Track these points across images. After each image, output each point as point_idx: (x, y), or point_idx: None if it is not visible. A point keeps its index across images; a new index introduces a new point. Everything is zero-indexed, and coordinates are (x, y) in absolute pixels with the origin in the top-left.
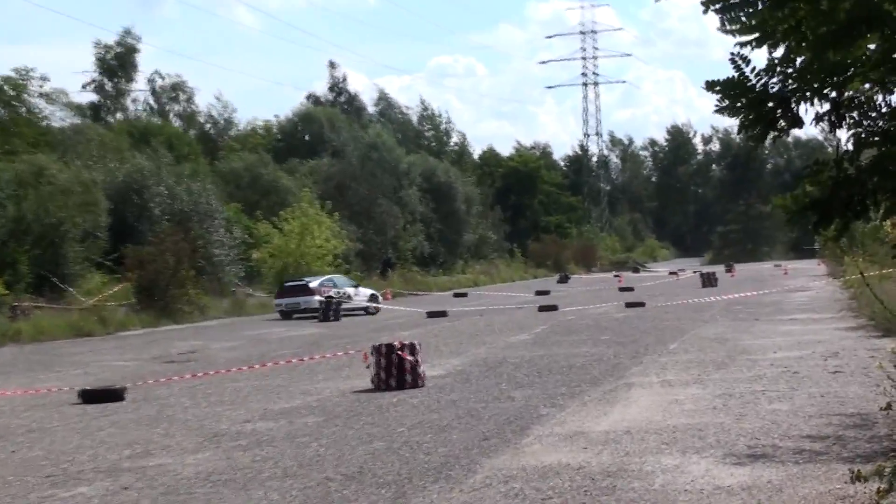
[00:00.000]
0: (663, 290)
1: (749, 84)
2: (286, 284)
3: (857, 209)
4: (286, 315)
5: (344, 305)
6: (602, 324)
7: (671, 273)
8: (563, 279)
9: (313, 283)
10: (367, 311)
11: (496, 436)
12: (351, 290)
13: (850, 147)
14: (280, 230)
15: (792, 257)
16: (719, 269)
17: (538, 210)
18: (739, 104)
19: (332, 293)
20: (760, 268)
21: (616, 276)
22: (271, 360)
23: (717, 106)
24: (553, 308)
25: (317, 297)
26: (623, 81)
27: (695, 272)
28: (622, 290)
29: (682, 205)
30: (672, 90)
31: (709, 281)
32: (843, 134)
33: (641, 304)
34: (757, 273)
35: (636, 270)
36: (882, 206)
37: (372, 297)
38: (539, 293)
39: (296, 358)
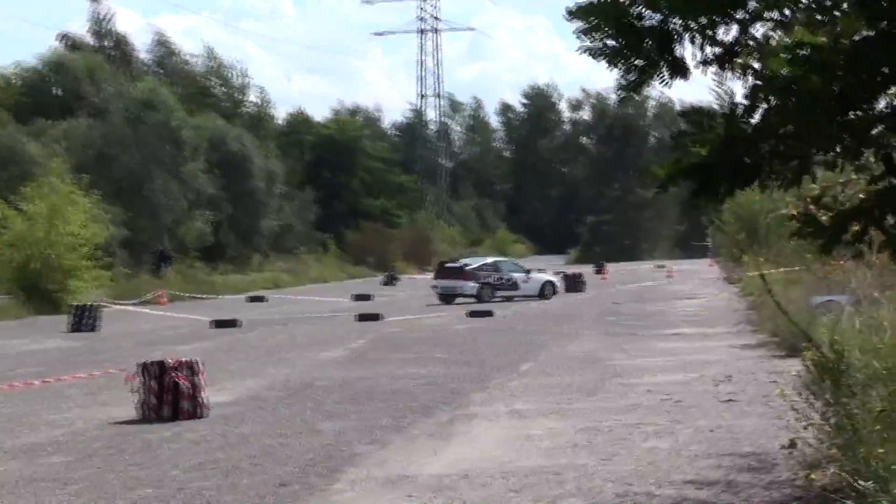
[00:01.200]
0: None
1: (622, 8)
2: (445, 266)
3: (748, 175)
4: (445, 299)
5: (506, 293)
6: (438, 337)
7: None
8: (390, 280)
9: (470, 266)
10: (544, 296)
11: (298, 480)
12: (519, 276)
13: (745, 101)
14: (22, 212)
15: (678, 256)
16: (588, 270)
17: (359, 191)
18: (610, 41)
19: (491, 279)
20: (639, 269)
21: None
22: (6, 381)
23: (582, 44)
24: (375, 317)
25: (471, 283)
26: (471, 29)
27: (557, 273)
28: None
29: (543, 188)
30: (532, 42)
31: (574, 284)
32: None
33: (489, 314)
34: (634, 275)
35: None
36: (781, 175)
37: (548, 286)
38: (358, 298)
39: (39, 379)
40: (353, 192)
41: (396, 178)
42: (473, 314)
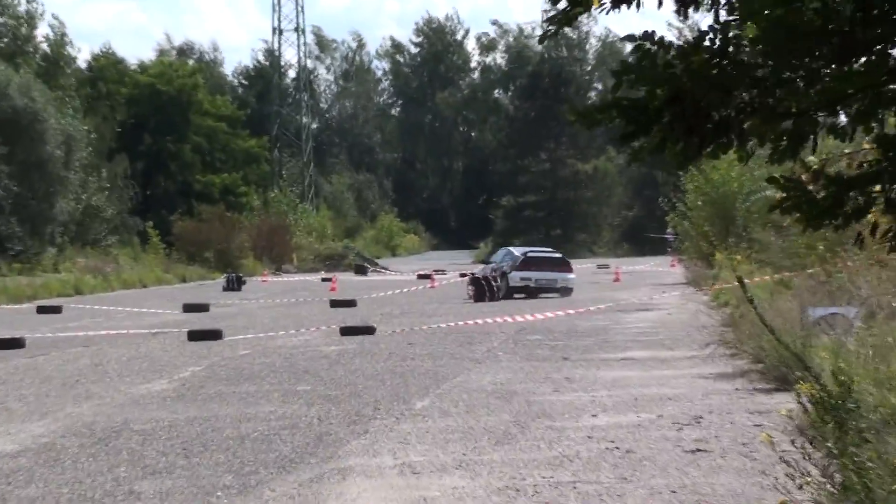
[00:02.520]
0: (406, 305)
1: None
2: (528, 256)
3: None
4: (533, 292)
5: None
6: (300, 364)
7: (422, 276)
8: (234, 284)
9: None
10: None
11: None
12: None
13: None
14: None
15: (628, 252)
16: None
17: (192, 163)
18: None
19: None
20: (576, 269)
21: (326, 279)
22: None
23: None
24: (214, 335)
25: (572, 275)
26: None
27: (463, 275)
28: (336, 304)
29: (443, 158)
30: None
31: (485, 290)
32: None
33: (369, 330)
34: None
35: (362, 271)
36: (770, 140)
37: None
38: (191, 309)
39: None
40: (183, 163)
41: (243, 144)
42: (347, 331)
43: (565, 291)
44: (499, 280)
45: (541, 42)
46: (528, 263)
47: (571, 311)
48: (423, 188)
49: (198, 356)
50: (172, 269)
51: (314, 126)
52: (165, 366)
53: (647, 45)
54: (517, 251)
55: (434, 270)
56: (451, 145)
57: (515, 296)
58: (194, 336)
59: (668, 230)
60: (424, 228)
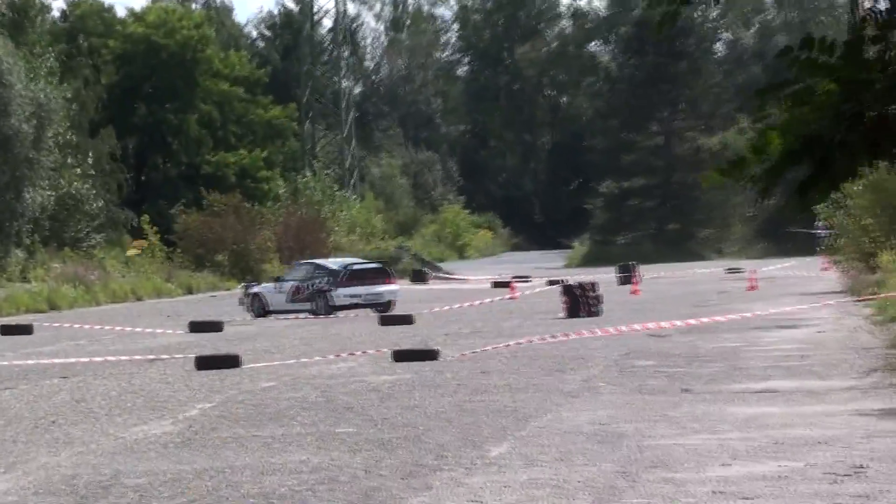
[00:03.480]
0: (479, 321)
1: None
2: (353, 269)
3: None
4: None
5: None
6: (341, 399)
7: (498, 285)
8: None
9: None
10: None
11: None
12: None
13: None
14: None
15: (765, 252)
16: (607, 276)
17: (200, 138)
18: None
19: None
20: (696, 274)
21: None
22: None
23: None
24: (229, 362)
25: (396, 286)
26: None
27: (553, 282)
28: (388, 321)
29: (526, 132)
30: None
31: (582, 303)
32: None
33: (431, 355)
34: (688, 285)
35: (420, 279)
36: None
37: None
38: (198, 328)
39: None
40: (188, 139)
41: (265, 115)
42: (402, 356)
43: (388, 307)
44: (316, 299)
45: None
46: (353, 278)
47: (692, 329)
48: (499, 171)
49: (208, 389)
50: (175, 277)
51: (357, 90)
52: (167, 402)
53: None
54: (333, 264)
55: (514, 277)
56: (535, 115)
57: (433, 310)
58: (204, 363)
59: (818, 223)
60: (501, 223)
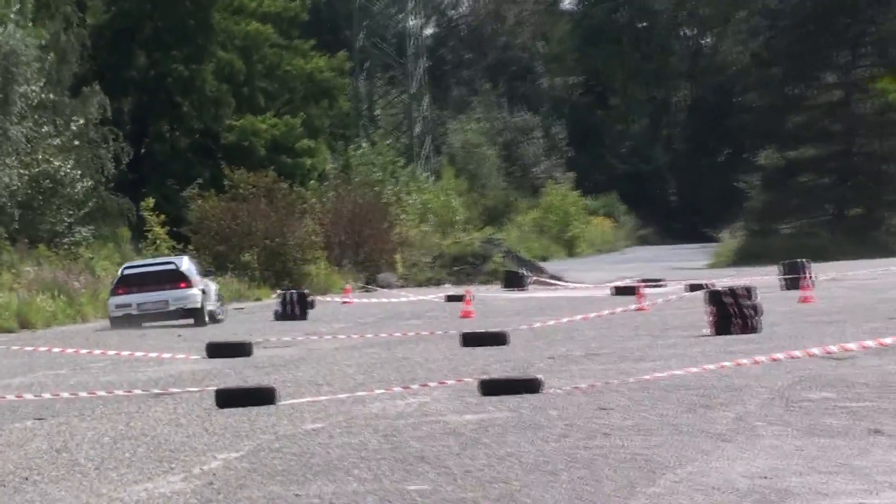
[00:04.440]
0: (595, 340)
1: None
2: (128, 273)
3: None
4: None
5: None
6: (412, 446)
7: (621, 291)
8: (294, 308)
9: (183, 266)
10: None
11: None
12: (209, 281)
13: None
14: None
15: None
16: (768, 279)
17: (219, 98)
18: None
19: (203, 285)
20: (891, 274)
21: (455, 298)
22: None
23: None
24: (261, 397)
25: (194, 291)
26: None
27: (693, 288)
28: (473, 340)
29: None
30: None
31: (734, 315)
32: None
33: (531, 385)
34: (880, 290)
35: (516, 283)
36: None
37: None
38: (220, 351)
39: None
40: (203, 98)
41: (305, 66)
42: (492, 388)
43: (184, 316)
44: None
45: None
46: (128, 284)
47: (886, 350)
48: (621, 138)
49: (234, 433)
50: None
51: (429, 32)
52: (178, 451)
53: None
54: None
55: (642, 281)
56: (669, 63)
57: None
58: (228, 399)
59: None
60: (624, 208)
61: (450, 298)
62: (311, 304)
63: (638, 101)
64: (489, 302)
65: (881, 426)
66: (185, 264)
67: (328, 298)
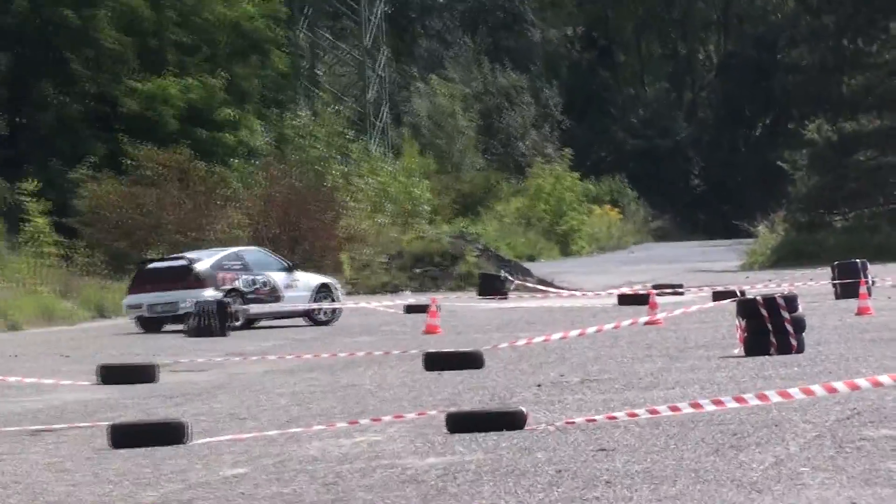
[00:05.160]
0: (594, 362)
1: None
2: (148, 267)
3: None
4: (150, 325)
5: (259, 309)
6: (360, 497)
7: (627, 300)
8: (212, 320)
9: (203, 264)
10: (311, 317)
11: None
12: (279, 278)
13: None
14: None
15: None
16: (817, 285)
17: (121, 50)
18: None
19: (239, 283)
20: None
21: (417, 308)
22: None
23: None
24: (168, 434)
25: (209, 292)
26: None
27: (720, 295)
28: (438, 361)
29: (681, 41)
30: None
31: (772, 331)
32: None
33: (511, 420)
34: None
35: (494, 289)
36: None
37: (323, 291)
38: (115, 376)
39: None
40: (98, 53)
41: (227, 13)
42: (463, 423)
43: (190, 321)
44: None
45: None
46: (141, 281)
47: None
48: (633, 105)
49: (133, 481)
50: (78, 290)
51: None
52: (62, 503)
53: None
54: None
55: (655, 287)
56: (694, 10)
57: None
58: (125, 436)
59: None
60: (634, 194)
61: (410, 309)
62: (235, 317)
63: (654, 58)
64: (460, 313)
65: None
66: (208, 261)
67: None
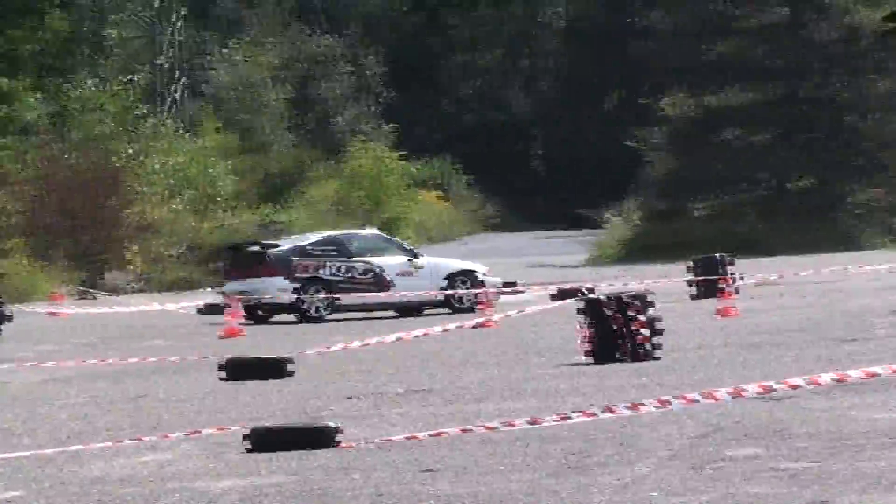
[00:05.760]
0: (418, 370)
1: None
2: (242, 252)
3: None
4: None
5: (361, 297)
6: None
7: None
8: None
9: (277, 251)
10: (451, 304)
11: None
12: (392, 265)
13: None
14: None
15: None
16: (673, 283)
17: None
18: None
19: (325, 270)
20: (849, 277)
21: (215, 309)
22: None
23: None
24: None
25: (279, 282)
26: None
27: (563, 294)
28: (241, 370)
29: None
30: None
31: (620, 335)
32: None
33: (321, 436)
34: (834, 299)
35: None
36: None
37: (460, 277)
38: None
39: None
40: None
41: None
42: (266, 441)
43: (270, 311)
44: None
45: None
46: (233, 265)
47: (838, 387)
48: (464, 75)
49: None
50: None
51: None
52: None
53: None
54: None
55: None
56: None
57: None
58: None
59: None
60: (465, 179)
61: (209, 309)
62: (4, 317)
63: (489, 21)
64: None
65: (829, 498)
66: (288, 247)
67: (30, 308)
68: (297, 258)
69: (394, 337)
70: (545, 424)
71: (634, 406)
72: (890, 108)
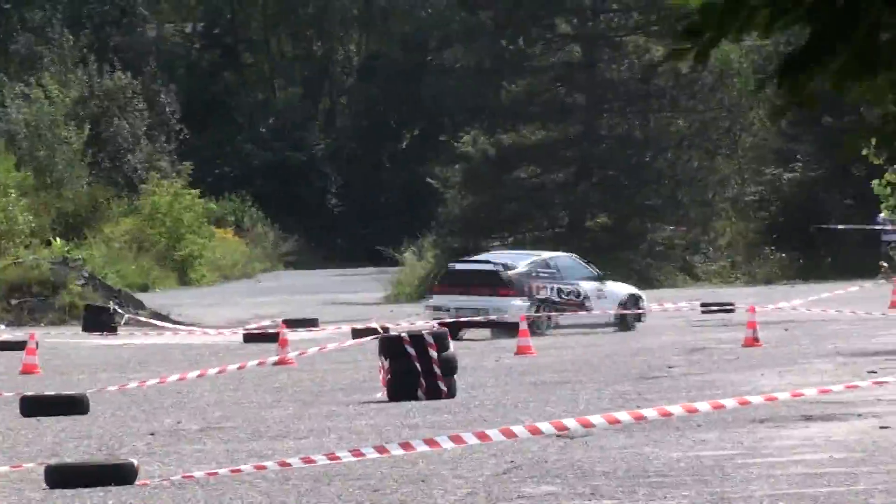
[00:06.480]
0: (217, 407)
1: None
2: (456, 267)
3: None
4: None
5: (564, 320)
6: None
7: (255, 338)
8: None
9: (513, 270)
10: (626, 323)
11: None
12: (587, 287)
13: None
14: None
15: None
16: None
17: None
18: None
19: (547, 292)
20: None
21: (12, 345)
22: None
23: None
24: None
25: (518, 301)
26: None
27: (360, 333)
28: (38, 407)
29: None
30: None
31: (419, 373)
32: None
33: (121, 474)
34: (632, 335)
35: (103, 325)
36: None
37: (629, 300)
38: None
39: None
40: None
41: None
42: (62, 478)
43: (500, 330)
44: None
45: None
46: (450, 281)
47: (635, 425)
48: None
49: None
50: None
51: None
52: None
53: None
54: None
55: (287, 322)
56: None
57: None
58: None
59: (882, 218)
60: (262, 216)
61: (4, 346)
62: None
63: (286, 59)
64: (63, 351)
65: None
66: (519, 267)
67: None
68: (529, 280)
69: (193, 374)
70: (342, 461)
71: (431, 443)
72: (687, 146)
